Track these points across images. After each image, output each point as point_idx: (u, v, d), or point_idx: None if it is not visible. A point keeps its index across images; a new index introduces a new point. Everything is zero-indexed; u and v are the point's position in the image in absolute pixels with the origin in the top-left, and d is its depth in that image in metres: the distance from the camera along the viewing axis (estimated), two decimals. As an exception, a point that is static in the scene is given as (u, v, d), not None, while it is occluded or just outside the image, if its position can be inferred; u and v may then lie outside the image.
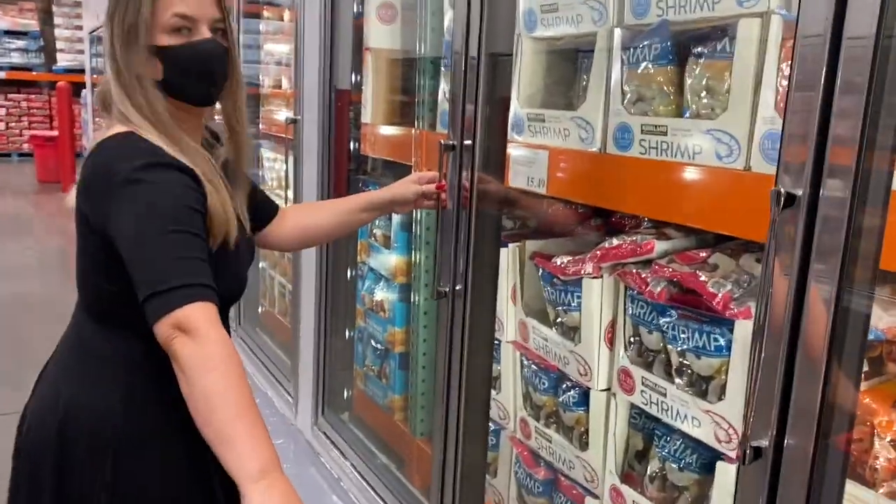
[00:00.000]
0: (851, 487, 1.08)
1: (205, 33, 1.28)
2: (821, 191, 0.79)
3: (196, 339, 1.08)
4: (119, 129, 1.26)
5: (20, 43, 12.47)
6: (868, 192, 0.78)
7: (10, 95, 12.61)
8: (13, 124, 12.70)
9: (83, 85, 10.14)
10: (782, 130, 0.85)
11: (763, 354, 0.85)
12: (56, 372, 1.37)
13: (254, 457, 1.03)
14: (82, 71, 10.51)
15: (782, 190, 0.81)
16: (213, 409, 1.06)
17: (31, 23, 12.51)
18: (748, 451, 0.86)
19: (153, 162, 1.19)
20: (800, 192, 0.81)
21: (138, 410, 1.30)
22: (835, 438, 0.83)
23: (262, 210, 1.65)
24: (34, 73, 12.53)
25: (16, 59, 12.48)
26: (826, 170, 0.79)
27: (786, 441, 0.84)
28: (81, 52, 11.19)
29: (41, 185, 10.25)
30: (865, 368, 1.11)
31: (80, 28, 11.45)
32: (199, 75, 1.29)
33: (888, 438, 1.05)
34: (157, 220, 1.14)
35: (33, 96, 12.80)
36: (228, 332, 1.39)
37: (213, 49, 1.29)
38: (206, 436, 1.07)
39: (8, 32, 12.37)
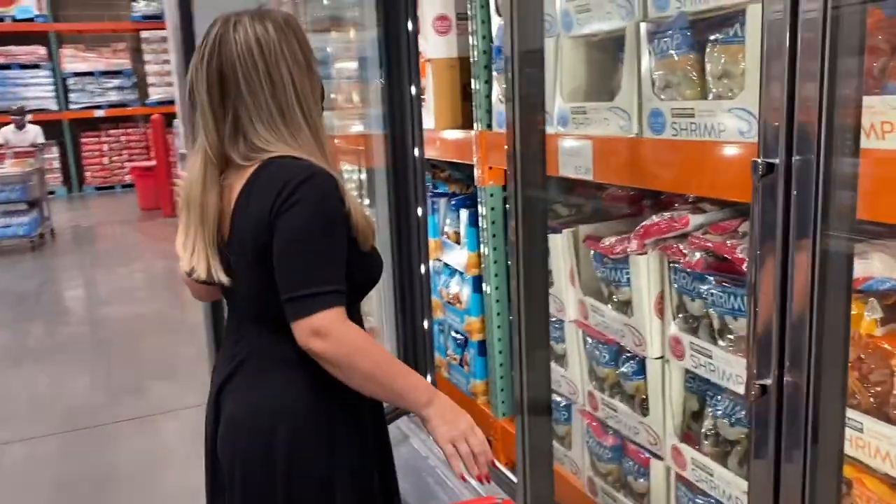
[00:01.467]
0: (876, 426, 1.18)
1: None
2: (793, 157, 0.91)
3: (331, 340, 1.30)
4: (279, 151, 1.38)
5: (115, 82, 13.35)
6: (836, 155, 0.89)
7: (110, 132, 13.52)
8: (115, 158, 13.60)
9: (174, 115, 10.79)
10: (759, 108, 0.97)
11: (757, 305, 0.97)
12: (248, 387, 1.45)
13: (418, 394, 1.37)
14: (173, 102, 11.18)
15: (760, 160, 0.93)
16: (376, 382, 1.35)
17: (124, 62, 13.38)
18: (754, 390, 0.98)
19: (312, 174, 1.34)
20: (777, 161, 0.92)
21: (327, 399, 1.43)
22: (829, 374, 0.94)
23: None
24: (129, 108, 13.40)
25: (113, 97, 13.36)
26: (796, 139, 0.91)
27: (785, 378, 0.96)
28: (170, 84, 11.90)
29: (143, 212, 10.97)
30: (881, 315, 1.21)
31: (167, 62, 12.17)
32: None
33: (904, 377, 1.15)
34: (312, 231, 1.33)
35: (130, 130, 13.68)
36: (360, 312, 1.58)
37: None
38: (381, 399, 1.44)
39: (105, 73, 13.28)
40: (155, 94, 13.39)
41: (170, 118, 10.95)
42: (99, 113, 13.22)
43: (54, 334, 5.53)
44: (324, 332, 1.30)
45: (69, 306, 6.47)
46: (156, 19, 12.92)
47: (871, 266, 1.17)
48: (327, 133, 1.48)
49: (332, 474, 1.43)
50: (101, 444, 3.57)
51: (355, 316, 1.50)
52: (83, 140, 13.39)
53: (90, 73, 13.19)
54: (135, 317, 5.73)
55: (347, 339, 1.31)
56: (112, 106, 13.33)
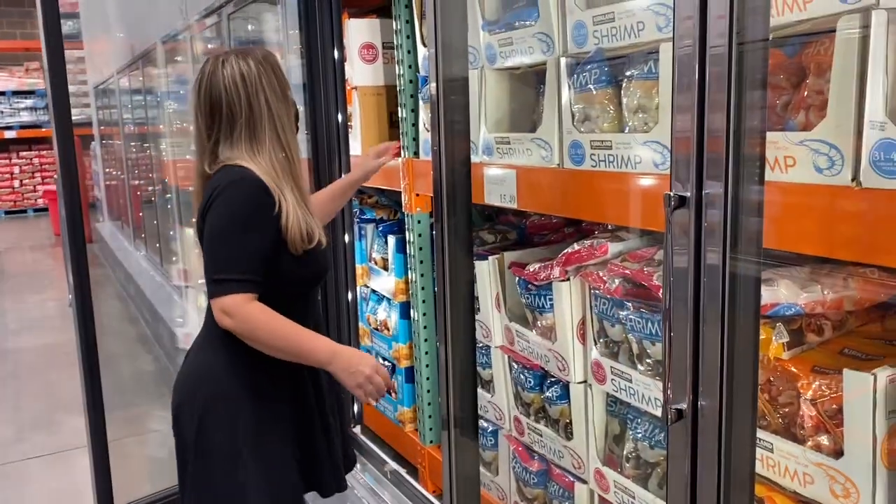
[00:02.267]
0: (785, 445, 1.24)
1: None
2: (704, 190, 0.96)
3: (236, 318, 1.56)
4: (234, 161, 1.64)
5: (28, 102, 12.84)
6: (743, 187, 0.94)
7: (21, 153, 12.97)
8: (27, 181, 13.05)
9: (91, 137, 10.43)
10: (671, 142, 1.02)
11: (671, 331, 1.01)
12: (194, 352, 1.75)
13: (319, 355, 1.61)
14: (89, 124, 10.82)
15: (672, 193, 0.98)
16: (281, 350, 1.60)
17: (38, 81, 12.88)
18: (671, 414, 1.01)
19: (240, 178, 1.60)
20: (688, 194, 0.97)
21: (246, 369, 1.67)
22: (741, 396, 0.99)
23: None
24: (43, 129, 12.89)
25: (25, 117, 12.84)
26: (706, 171, 0.96)
27: (699, 402, 1.00)
28: (87, 105, 11.51)
29: (58, 237, 10.53)
30: (787, 339, 1.27)
31: (84, 83, 11.79)
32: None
33: (809, 397, 1.21)
34: (227, 226, 1.58)
35: (44, 152, 13.16)
36: (316, 305, 1.85)
37: None
38: (292, 360, 1.61)
39: (16, 93, 12.75)
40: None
41: (86, 140, 10.58)
42: (10, 134, 12.67)
43: (-43, 367, 5.23)
44: (229, 311, 1.56)
45: (-26, 337, 6.12)
46: (72, 39, 12.53)
47: (778, 293, 1.24)
48: (298, 151, 1.72)
49: (235, 435, 1.64)
50: (7, 484, 3.38)
51: (307, 307, 1.74)
52: (-8, 162, 12.82)
53: (1, 93, 12.66)
54: (46, 347, 5.47)
55: (249, 318, 1.56)
56: (24, 127, 12.80)
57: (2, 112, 12.73)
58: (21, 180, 13.05)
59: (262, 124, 1.64)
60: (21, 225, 12.06)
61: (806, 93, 1.22)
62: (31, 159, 13.08)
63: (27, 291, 7.40)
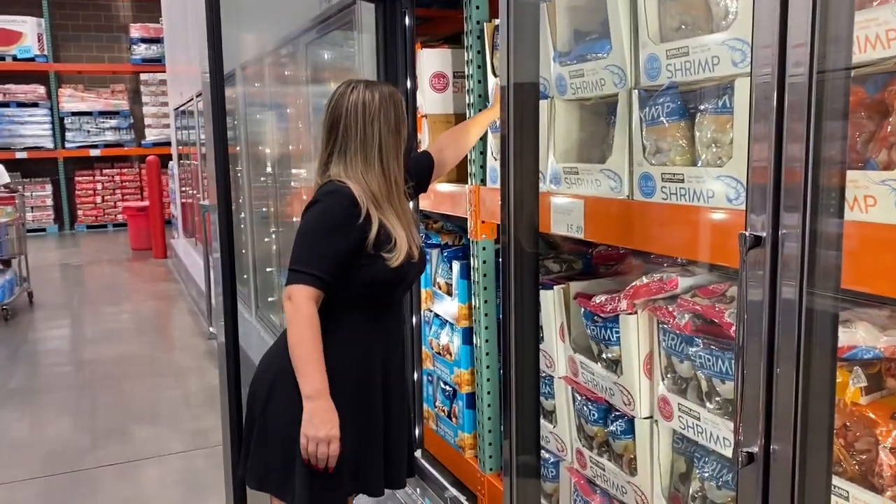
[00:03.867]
0: (862, 494, 1.19)
1: None
2: (780, 230, 0.94)
3: (291, 306, 1.75)
4: (339, 178, 1.83)
5: (112, 122, 13.47)
6: (821, 226, 0.92)
7: (104, 171, 13.59)
8: (108, 197, 13.65)
9: (170, 157, 10.87)
10: (747, 171, 1.00)
11: (744, 369, 0.99)
12: (281, 334, 1.92)
13: (306, 385, 1.74)
14: (168, 144, 11.27)
15: (748, 233, 0.97)
16: (293, 351, 1.75)
17: (122, 102, 13.52)
18: (741, 457, 0.99)
19: (335, 190, 1.80)
20: (764, 234, 0.96)
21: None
22: (816, 441, 0.96)
23: (422, 172, 2.18)
24: (125, 148, 13.50)
25: (109, 136, 13.47)
26: (783, 211, 0.94)
27: (772, 446, 0.97)
28: (167, 126, 12.01)
29: (135, 252, 10.95)
30: (865, 383, 1.23)
31: (165, 105, 12.31)
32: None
33: (888, 445, 1.17)
34: (313, 229, 1.79)
35: (125, 170, 13.76)
36: (398, 311, 2.04)
37: None
38: (295, 369, 1.75)
39: (102, 113, 13.40)
40: (151, 136, 13.53)
41: (165, 159, 11.02)
42: (94, 152, 13.30)
43: (36, 375, 5.47)
44: (292, 297, 1.75)
45: (53, 347, 6.40)
46: (156, 62, 13.12)
47: (856, 335, 1.20)
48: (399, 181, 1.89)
49: (294, 414, 1.76)
50: (81, 491, 3.51)
51: (387, 312, 1.92)
52: (77, 178, 13.45)
53: (88, 113, 13.31)
54: (121, 358, 5.68)
55: (298, 312, 1.74)
56: (108, 146, 13.42)
57: (88, 131, 13.36)
58: (103, 196, 13.65)
59: (371, 150, 1.82)
60: (101, 239, 12.60)
61: (889, 129, 1.19)
62: (112, 177, 13.69)
63: (104, 304, 7.70)
